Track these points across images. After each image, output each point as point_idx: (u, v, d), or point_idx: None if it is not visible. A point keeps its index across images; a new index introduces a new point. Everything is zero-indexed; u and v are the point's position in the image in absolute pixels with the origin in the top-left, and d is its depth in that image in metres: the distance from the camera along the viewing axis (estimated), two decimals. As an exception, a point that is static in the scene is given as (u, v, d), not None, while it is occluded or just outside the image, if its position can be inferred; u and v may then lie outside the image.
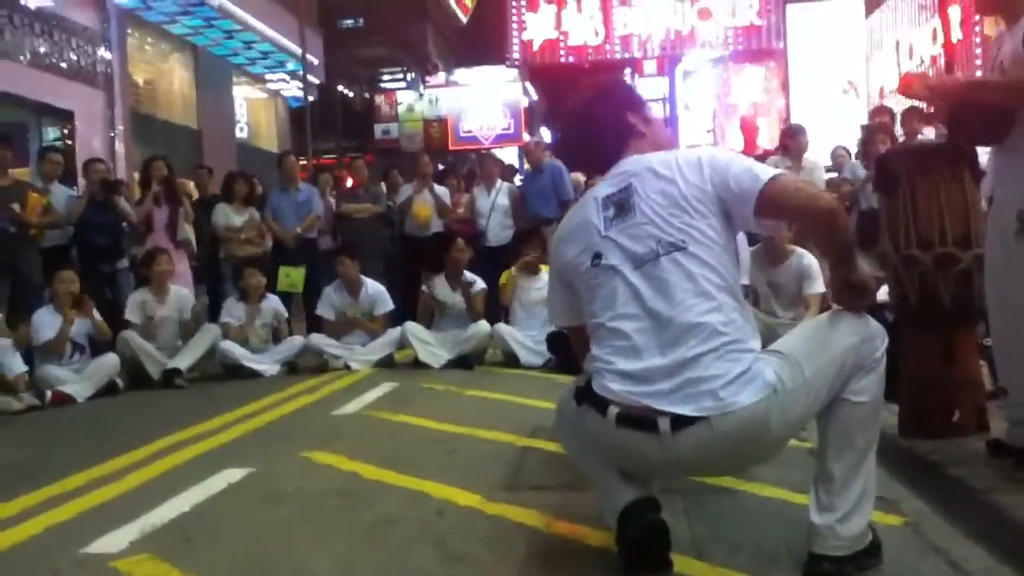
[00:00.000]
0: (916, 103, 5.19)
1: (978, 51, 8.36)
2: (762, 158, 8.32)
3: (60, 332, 6.19)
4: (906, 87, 3.29)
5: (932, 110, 5.53)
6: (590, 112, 2.37)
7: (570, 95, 2.46)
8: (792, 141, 7.74)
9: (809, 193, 2.15)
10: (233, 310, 7.15)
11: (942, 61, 10.29)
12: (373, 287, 7.40)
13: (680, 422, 1.98)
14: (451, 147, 30.45)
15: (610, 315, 2.13)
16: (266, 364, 6.93)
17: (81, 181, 8.99)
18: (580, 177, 8.38)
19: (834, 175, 8.00)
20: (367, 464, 3.70)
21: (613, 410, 2.05)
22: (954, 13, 9.99)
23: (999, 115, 2.84)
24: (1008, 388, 3.08)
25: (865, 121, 8.19)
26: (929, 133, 6.62)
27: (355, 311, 7.27)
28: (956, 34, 9.97)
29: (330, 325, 7.25)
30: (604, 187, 2.25)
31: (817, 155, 8.49)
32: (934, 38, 10.76)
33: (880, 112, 8.17)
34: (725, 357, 1.99)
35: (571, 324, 2.36)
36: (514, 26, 15.84)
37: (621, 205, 2.18)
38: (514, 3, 15.89)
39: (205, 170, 10.04)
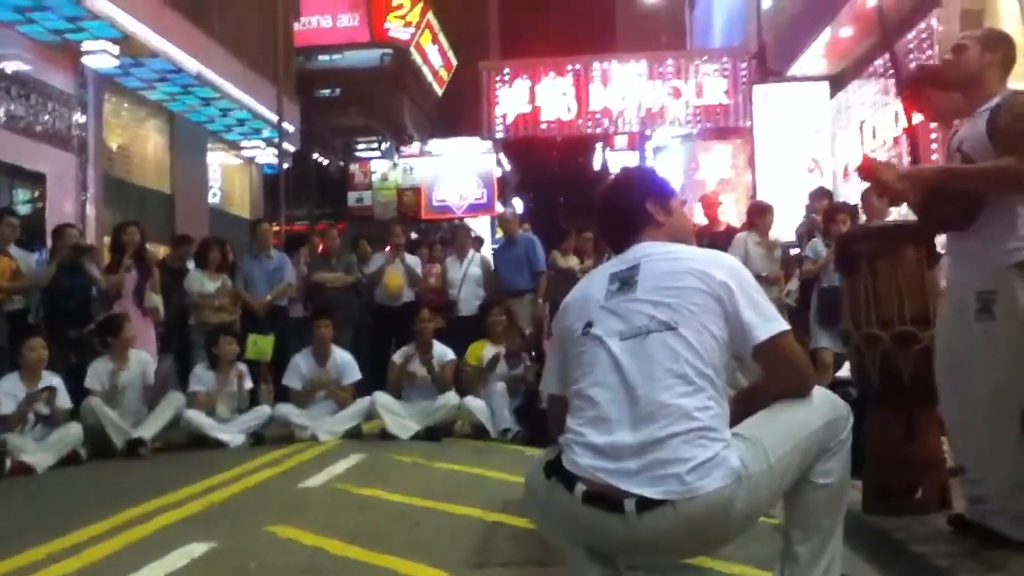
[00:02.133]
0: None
1: (933, 135, 8.65)
2: (728, 234, 8.51)
3: (19, 407, 6.08)
4: (866, 171, 3.42)
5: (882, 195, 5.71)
6: (613, 197, 2.49)
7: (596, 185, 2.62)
8: (760, 219, 7.91)
9: (806, 361, 2.28)
10: (203, 378, 7.08)
11: (905, 143, 10.60)
12: (341, 356, 7.38)
13: (645, 504, 1.98)
14: (424, 216, 30.70)
15: (588, 382, 2.16)
16: (231, 434, 6.84)
17: (49, 243, 8.94)
18: None
19: (796, 251, 8.14)
20: (333, 539, 3.65)
21: (580, 487, 2.06)
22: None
23: (971, 201, 2.95)
24: (966, 466, 3.13)
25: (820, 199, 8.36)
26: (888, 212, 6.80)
27: (323, 380, 7.23)
28: (917, 115, 10.31)
29: (298, 394, 7.19)
30: (615, 263, 2.33)
31: (783, 232, 8.67)
32: (896, 120, 11.10)
33: (820, 196, 8.39)
34: (694, 442, 2.00)
35: (557, 392, 2.37)
36: (488, 100, 16.13)
37: (625, 281, 2.23)
38: (489, 78, 16.21)
39: (186, 247, 9.92)
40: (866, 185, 6.86)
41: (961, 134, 3.07)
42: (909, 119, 7.39)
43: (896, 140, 11.11)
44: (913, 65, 3.54)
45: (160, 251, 12.61)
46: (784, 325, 2.18)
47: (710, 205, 9.54)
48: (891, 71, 10.66)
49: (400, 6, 35.74)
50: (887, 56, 10.72)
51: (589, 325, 2.22)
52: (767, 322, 2.16)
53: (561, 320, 2.36)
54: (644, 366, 2.10)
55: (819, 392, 2.23)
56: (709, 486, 1.97)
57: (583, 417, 2.13)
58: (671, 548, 2.18)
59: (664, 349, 2.10)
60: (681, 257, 2.25)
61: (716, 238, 8.62)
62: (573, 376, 2.22)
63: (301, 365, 7.26)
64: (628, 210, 2.41)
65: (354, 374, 7.33)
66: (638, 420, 2.05)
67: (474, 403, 7.03)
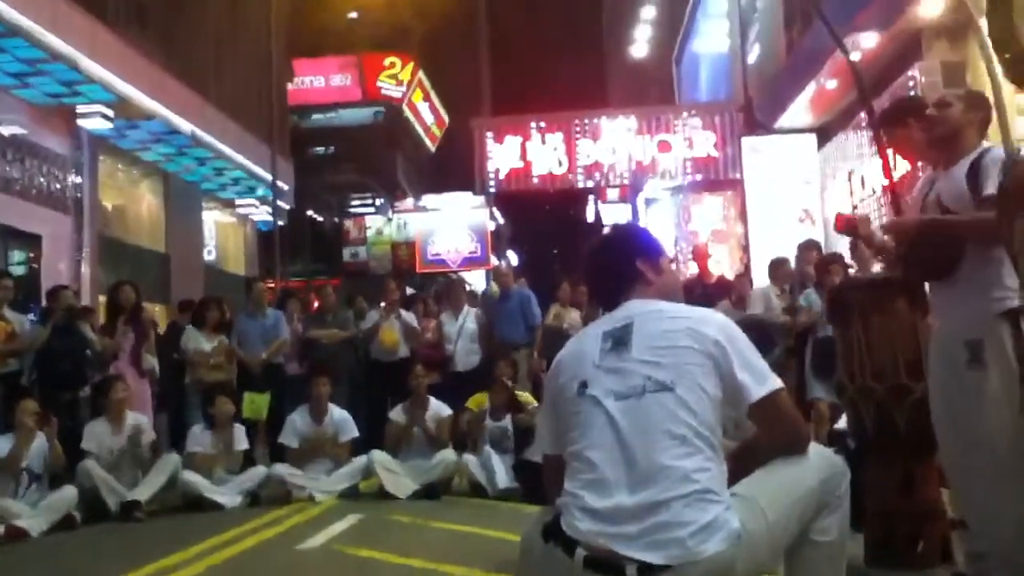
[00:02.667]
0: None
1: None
2: (720, 286, 8.56)
3: (13, 449, 6.05)
4: (841, 226, 3.52)
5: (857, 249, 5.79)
6: (602, 254, 2.52)
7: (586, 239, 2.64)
8: (778, 271, 7.88)
9: (801, 418, 2.30)
10: (200, 438, 7.04)
11: (886, 199, 10.76)
12: (338, 413, 7.35)
13: (647, 569, 1.97)
14: (419, 269, 30.83)
15: (585, 443, 2.14)
16: (228, 495, 6.77)
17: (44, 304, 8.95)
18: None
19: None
20: (331, 602, 3.62)
21: (580, 553, 2.04)
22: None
23: (952, 251, 3.00)
24: (967, 520, 3.13)
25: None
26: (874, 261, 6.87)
27: (320, 437, 7.19)
28: (903, 165, 10.46)
29: (294, 452, 7.14)
30: (607, 322, 2.32)
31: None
32: (885, 171, 11.25)
33: (808, 248, 8.44)
34: (694, 505, 2.00)
35: (552, 452, 2.35)
36: (481, 156, 16.33)
37: (619, 340, 2.23)
38: (480, 134, 16.42)
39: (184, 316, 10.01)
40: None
41: (939, 187, 3.15)
42: (888, 175, 7.54)
43: (885, 189, 11.26)
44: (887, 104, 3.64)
45: (155, 310, 12.65)
46: (777, 383, 2.19)
47: (701, 256, 9.63)
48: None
49: (392, 65, 36.35)
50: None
51: (584, 385, 2.21)
52: (761, 381, 2.17)
53: (553, 379, 2.35)
54: (641, 427, 2.09)
55: (815, 449, 2.25)
56: (710, 550, 1.97)
57: (581, 479, 2.12)
58: None
59: (661, 410, 2.09)
60: (674, 316, 2.26)
61: (708, 289, 8.70)
62: (569, 436, 2.21)
63: (297, 423, 7.22)
64: (618, 268, 2.43)
65: (351, 431, 7.29)
66: (636, 483, 2.04)
67: (471, 461, 7.00)
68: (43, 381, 7.41)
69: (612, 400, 2.14)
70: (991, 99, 3.02)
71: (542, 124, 16.43)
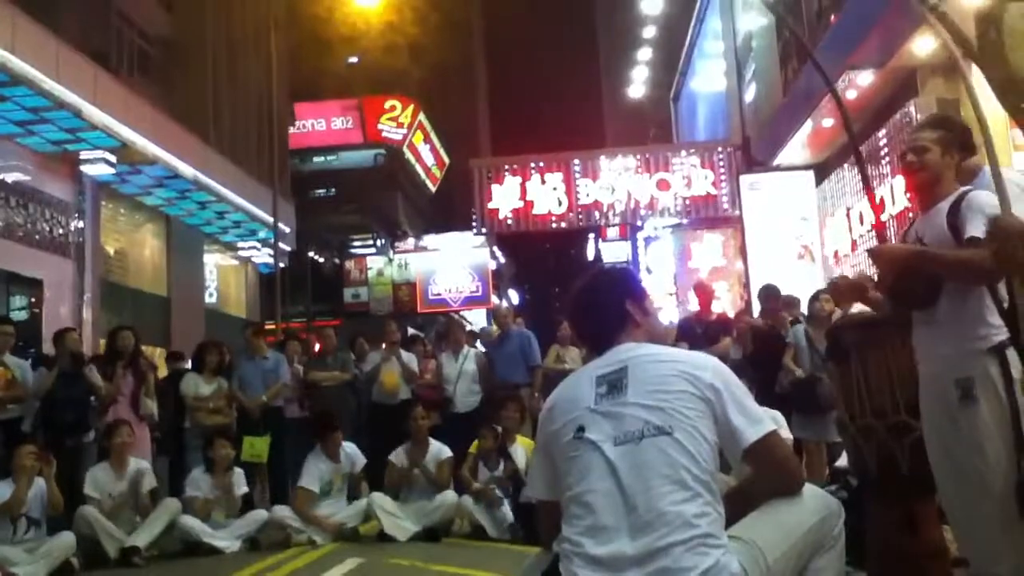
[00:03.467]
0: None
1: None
2: (720, 323, 8.55)
3: (15, 492, 6.03)
4: (836, 294, 3.54)
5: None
6: (591, 295, 2.48)
7: (577, 279, 2.64)
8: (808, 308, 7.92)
9: (796, 460, 2.33)
10: (199, 482, 7.01)
11: (892, 227, 10.80)
12: (349, 447, 7.40)
13: None
14: (420, 309, 30.86)
15: (582, 488, 2.12)
16: (227, 540, 6.72)
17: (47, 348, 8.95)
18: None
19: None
20: (329, 650, 3.57)
21: None
22: (898, 184, 10.56)
23: (934, 283, 3.03)
24: (968, 558, 3.09)
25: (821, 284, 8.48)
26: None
27: (339, 474, 7.25)
28: (900, 202, 10.51)
29: (312, 495, 7.08)
30: (599, 365, 2.30)
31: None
32: (882, 208, 11.32)
33: (768, 297, 8.47)
34: (695, 550, 1.98)
35: (546, 498, 2.33)
36: (480, 196, 16.42)
37: (613, 384, 2.21)
38: (480, 175, 16.53)
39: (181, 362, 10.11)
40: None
41: (919, 228, 3.18)
42: (877, 216, 7.60)
43: (873, 227, 11.30)
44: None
45: (156, 353, 12.64)
46: (771, 425, 2.20)
47: (704, 292, 9.57)
48: (877, 157, 10.93)
49: (392, 108, 36.71)
50: (866, 145, 11.01)
51: (581, 430, 2.19)
52: (754, 424, 2.17)
53: (547, 424, 2.32)
54: (640, 472, 2.08)
55: (809, 490, 2.25)
56: None
57: (579, 526, 2.10)
58: None
59: (660, 454, 2.08)
60: (668, 360, 2.25)
61: (710, 325, 8.67)
62: (567, 482, 2.19)
63: (320, 466, 7.18)
64: (608, 309, 2.41)
65: (361, 460, 7.42)
66: (636, 529, 2.03)
67: (471, 503, 6.95)
68: (47, 427, 7.36)
69: (610, 445, 2.13)
70: (981, 138, 3.03)
71: (541, 164, 16.54)
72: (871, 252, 3.42)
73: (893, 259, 3.23)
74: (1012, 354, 2.89)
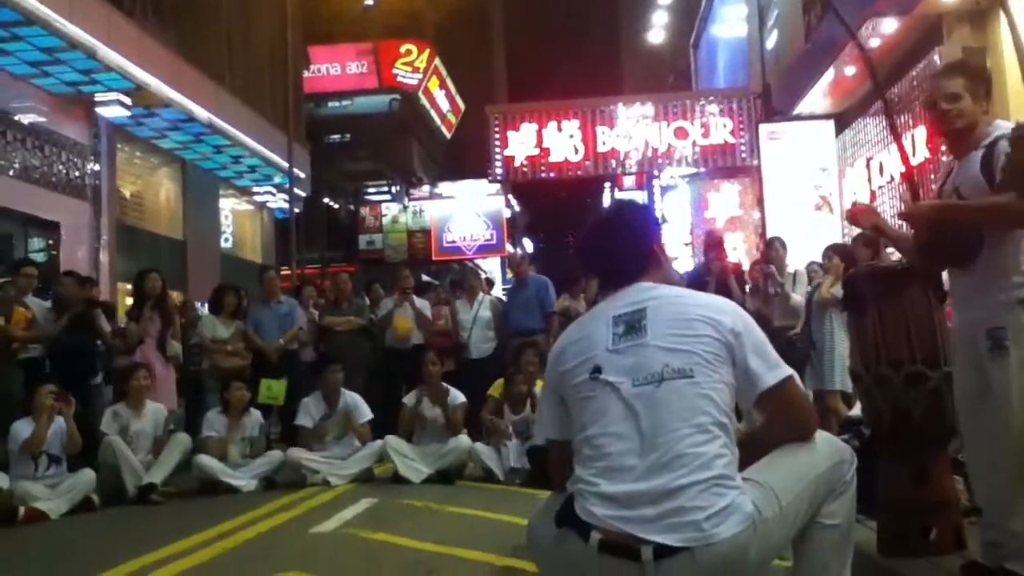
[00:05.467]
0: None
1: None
2: (738, 271, 8.47)
3: (36, 429, 6.14)
4: (854, 217, 3.49)
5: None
6: (619, 231, 2.41)
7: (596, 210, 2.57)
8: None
9: (811, 405, 2.32)
10: (215, 423, 7.11)
11: (904, 188, 10.66)
12: (351, 397, 7.39)
13: (663, 552, 1.98)
14: (435, 257, 30.86)
15: (598, 431, 2.12)
16: (243, 479, 6.84)
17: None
18: None
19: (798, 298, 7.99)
20: (345, 586, 3.64)
21: (595, 536, 2.03)
22: (920, 134, 10.40)
23: (972, 238, 2.97)
24: (983, 507, 3.11)
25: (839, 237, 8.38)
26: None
27: (334, 420, 7.24)
28: (922, 153, 10.36)
29: (309, 432, 7.15)
30: (617, 306, 2.26)
31: (795, 268, 8.61)
32: (903, 158, 11.16)
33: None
34: (711, 490, 2.01)
35: (556, 438, 2.33)
36: (496, 143, 16.28)
37: (632, 325, 2.19)
38: (496, 122, 16.37)
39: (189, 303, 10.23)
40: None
41: (956, 177, 3.11)
42: (907, 163, 7.47)
43: (903, 177, 11.16)
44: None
45: (175, 297, 12.69)
46: (788, 370, 2.21)
47: (717, 244, 9.40)
48: (899, 107, 10.74)
49: (408, 52, 36.27)
50: (891, 94, 10.81)
51: (598, 371, 2.18)
52: (772, 368, 2.18)
53: (558, 363, 2.30)
54: (659, 414, 2.08)
55: (822, 436, 2.26)
56: (725, 533, 1.98)
57: (595, 467, 2.11)
58: None
59: (679, 397, 2.09)
60: (689, 303, 2.24)
61: (720, 277, 8.48)
62: (580, 422, 2.19)
63: (311, 407, 7.27)
64: (636, 249, 2.36)
65: (365, 414, 7.34)
66: (653, 469, 2.04)
67: (482, 448, 7.04)
68: (55, 371, 7.43)
69: (629, 386, 2.12)
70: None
71: (558, 111, 16.37)
72: (902, 216, 3.38)
73: (925, 216, 3.18)
74: None
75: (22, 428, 6.21)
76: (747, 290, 8.25)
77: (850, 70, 11.80)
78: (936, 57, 9.58)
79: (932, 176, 8.70)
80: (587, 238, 2.47)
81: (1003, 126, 3.00)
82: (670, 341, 2.14)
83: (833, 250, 7.38)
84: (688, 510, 1.99)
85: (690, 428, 2.05)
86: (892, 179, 11.52)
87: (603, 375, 2.16)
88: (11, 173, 11.77)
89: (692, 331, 2.15)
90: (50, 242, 12.81)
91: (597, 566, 2.05)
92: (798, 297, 7.71)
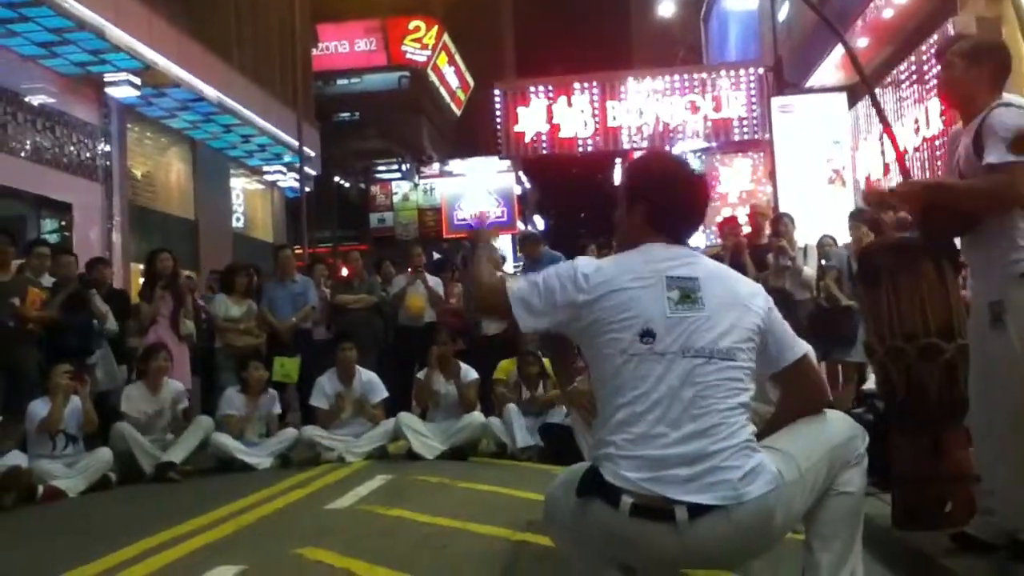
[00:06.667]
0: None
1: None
2: (768, 248, 8.38)
3: (53, 409, 6.20)
4: (868, 199, 3.51)
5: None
6: (703, 188, 2.43)
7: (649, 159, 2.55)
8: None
9: (824, 382, 2.33)
10: (234, 400, 7.15)
11: (926, 153, 10.57)
12: (367, 375, 7.42)
13: (697, 511, 2.00)
14: (446, 235, 30.85)
15: (634, 395, 2.09)
16: (259, 457, 6.90)
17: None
18: None
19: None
20: (360, 561, 3.67)
21: (627, 500, 2.03)
22: (933, 106, 10.30)
23: (961, 214, 3.00)
24: (982, 475, 3.12)
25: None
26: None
27: (350, 398, 7.27)
28: (936, 125, 10.27)
29: (324, 413, 7.22)
30: (671, 264, 2.20)
31: (805, 243, 8.56)
32: (916, 130, 11.07)
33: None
34: (741, 453, 2.07)
35: (530, 323, 2.22)
36: (502, 119, 16.21)
37: (687, 294, 2.16)
38: (505, 98, 16.29)
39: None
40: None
41: (959, 149, 3.09)
42: (896, 147, 7.42)
43: (916, 149, 11.07)
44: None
45: (194, 279, 12.72)
46: (805, 347, 2.30)
47: (735, 230, 9.24)
48: (913, 79, 10.65)
49: (416, 29, 36.09)
50: (904, 65, 10.70)
51: (650, 335, 2.12)
52: (792, 347, 2.28)
53: (596, 288, 2.15)
54: (700, 392, 2.10)
55: (834, 413, 2.33)
56: (756, 492, 2.03)
57: (631, 433, 2.09)
58: (714, 557, 2.23)
59: (722, 379, 2.12)
60: (733, 282, 2.27)
61: (758, 249, 8.36)
62: (615, 384, 2.14)
63: (326, 386, 7.30)
64: (705, 208, 2.41)
65: (380, 393, 7.37)
66: (687, 437, 2.07)
67: (495, 423, 7.06)
68: (49, 350, 7.36)
69: (679, 357, 2.11)
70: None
71: (568, 85, 16.27)
72: (894, 194, 3.42)
73: (913, 195, 3.24)
74: None
75: (39, 408, 6.27)
76: (768, 263, 8.13)
77: (862, 42, 11.69)
78: (950, 27, 9.47)
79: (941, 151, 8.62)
80: (690, 187, 2.37)
81: (1010, 99, 2.94)
82: (723, 322, 2.16)
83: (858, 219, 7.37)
84: (723, 469, 2.04)
85: (725, 405, 2.10)
86: (905, 151, 11.43)
87: (655, 341, 2.12)
88: (22, 154, 11.79)
89: (740, 316, 2.19)
90: (63, 223, 12.85)
91: (629, 531, 2.06)
92: (809, 270, 7.71)
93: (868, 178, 12.86)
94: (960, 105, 3.11)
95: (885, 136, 12.10)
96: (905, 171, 5.57)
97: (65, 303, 7.37)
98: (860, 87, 13.14)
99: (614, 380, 2.15)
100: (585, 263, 2.24)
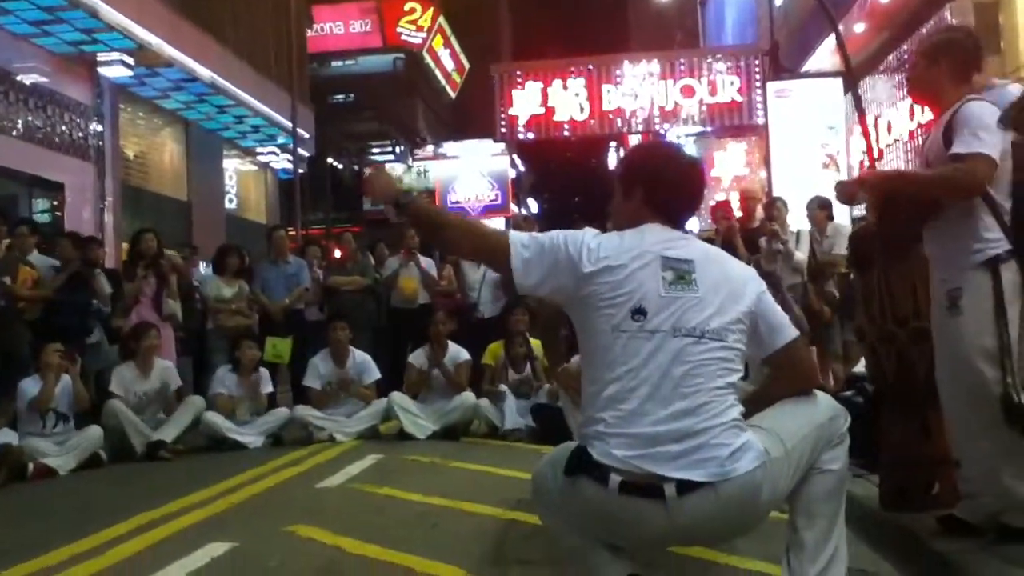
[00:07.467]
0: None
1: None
2: (760, 231, 8.38)
3: (44, 387, 6.19)
4: (840, 197, 3.59)
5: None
6: (701, 175, 2.46)
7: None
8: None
9: (814, 363, 2.36)
10: (225, 380, 7.15)
11: (920, 139, 10.57)
12: (360, 356, 7.43)
13: (686, 488, 2.02)
14: (439, 218, 30.76)
15: (623, 370, 2.11)
16: (251, 436, 6.90)
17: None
18: None
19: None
20: (351, 539, 3.69)
21: (616, 478, 2.05)
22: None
23: (925, 202, 3.05)
24: (961, 461, 3.14)
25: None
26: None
27: (343, 380, 7.28)
28: (928, 114, 10.27)
29: (317, 394, 7.23)
30: (666, 246, 2.21)
31: (797, 228, 8.56)
32: (911, 116, 11.07)
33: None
34: (729, 432, 2.09)
35: (524, 280, 2.21)
36: (495, 102, 16.16)
37: (681, 275, 2.18)
38: (501, 81, 16.23)
39: (189, 250, 10.23)
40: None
41: (928, 141, 3.14)
42: (869, 145, 7.46)
43: (911, 134, 11.07)
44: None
45: (178, 259, 12.70)
46: (796, 331, 2.31)
47: (744, 199, 9.22)
48: (905, 66, 10.63)
49: (412, 11, 35.90)
50: (898, 53, 10.69)
51: (641, 313, 2.14)
52: (782, 330, 2.29)
53: (594, 266, 2.16)
54: (690, 370, 2.11)
55: (819, 393, 2.34)
56: (743, 468, 2.05)
57: (620, 410, 2.10)
58: (701, 534, 2.24)
59: (712, 360, 2.13)
60: (726, 267, 2.29)
61: (750, 233, 8.35)
62: (606, 360, 2.14)
63: (319, 366, 7.31)
64: (702, 193, 2.44)
65: (374, 373, 7.39)
66: (677, 415, 2.08)
67: (486, 404, 7.09)
68: (48, 329, 7.38)
69: (669, 336, 2.12)
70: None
71: (564, 69, 16.21)
72: (857, 183, 3.51)
73: (875, 185, 3.34)
74: (1010, 267, 2.88)
75: (30, 386, 6.26)
76: (761, 247, 8.13)
77: (859, 27, 11.67)
78: (947, 12, 9.46)
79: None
80: (688, 173, 2.39)
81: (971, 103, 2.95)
82: (715, 304, 2.17)
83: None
84: (712, 447, 2.05)
85: (714, 384, 2.12)
86: (900, 137, 11.44)
87: (646, 319, 2.13)
88: (14, 133, 11.71)
89: (733, 299, 2.20)
90: (55, 203, 12.79)
91: (617, 508, 2.07)
92: (800, 255, 7.71)
93: (862, 163, 12.86)
94: (928, 102, 3.23)
95: (873, 124, 12.12)
96: (872, 162, 5.67)
97: (67, 282, 7.38)
98: (857, 71, 13.14)
99: (605, 355, 2.15)
100: (592, 235, 2.25)
